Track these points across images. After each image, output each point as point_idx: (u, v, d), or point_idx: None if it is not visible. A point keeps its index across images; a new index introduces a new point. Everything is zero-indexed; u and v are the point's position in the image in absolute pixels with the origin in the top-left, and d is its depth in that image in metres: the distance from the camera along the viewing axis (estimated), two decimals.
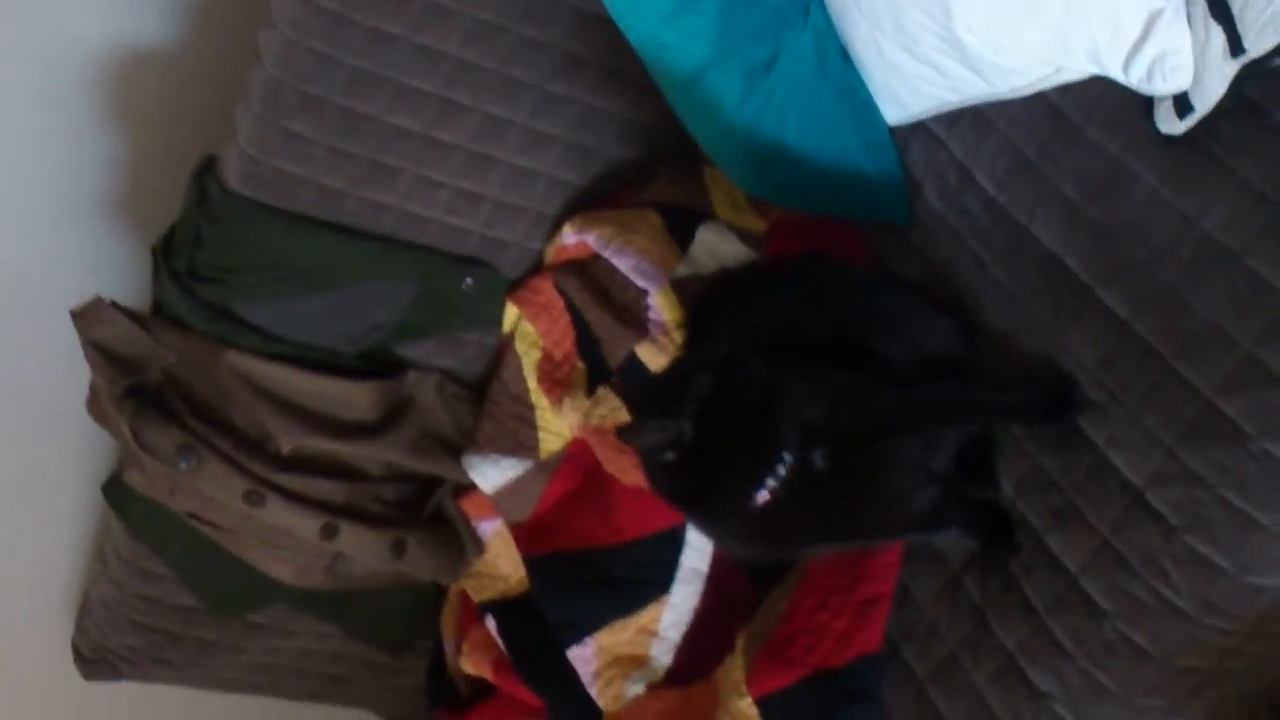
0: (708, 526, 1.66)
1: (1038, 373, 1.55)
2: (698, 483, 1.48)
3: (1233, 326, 1.36)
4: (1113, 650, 1.45)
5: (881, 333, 1.57)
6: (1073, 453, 1.49)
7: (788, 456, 1.41)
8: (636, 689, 1.86)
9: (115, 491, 2.03)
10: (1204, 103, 1.37)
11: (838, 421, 1.44)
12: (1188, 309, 1.39)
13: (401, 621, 2.25)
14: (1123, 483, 1.44)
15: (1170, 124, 1.41)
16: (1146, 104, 1.44)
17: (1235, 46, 1.32)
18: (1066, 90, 1.52)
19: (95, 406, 1.91)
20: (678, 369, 1.49)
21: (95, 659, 2.21)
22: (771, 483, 1.43)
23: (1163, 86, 1.39)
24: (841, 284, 1.69)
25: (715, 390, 1.43)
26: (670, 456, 1.45)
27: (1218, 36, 1.32)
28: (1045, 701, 1.51)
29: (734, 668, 1.74)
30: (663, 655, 1.87)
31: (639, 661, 1.88)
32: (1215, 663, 1.43)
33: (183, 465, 1.84)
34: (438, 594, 2.19)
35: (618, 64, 1.81)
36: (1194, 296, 1.39)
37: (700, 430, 1.43)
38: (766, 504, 1.44)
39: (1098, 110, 1.49)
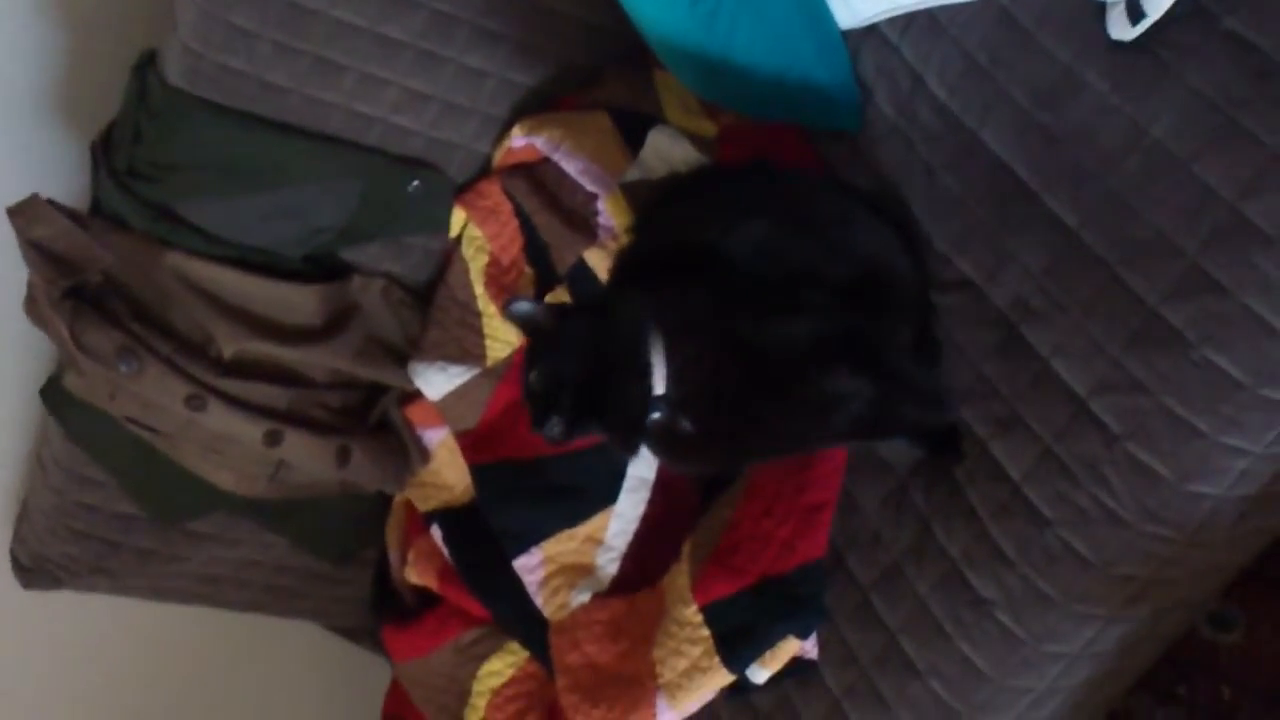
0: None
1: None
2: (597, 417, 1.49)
3: (1178, 235, 1.36)
4: (1053, 558, 1.47)
5: (817, 238, 1.55)
6: (1016, 361, 1.50)
7: (655, 416, 1.42)
8: (582, 598, 1.86)
9: (53, 395, 1.99)
10: (1156, 8, 1.36)
11: (715, 368, 1.43)
12: (1135, 217, 1.39)
13: (346, 532, 2.24)
14: (1066, 391, 1.45)
15: (1122, 29, 1.40)
16: (1099, 9, 1.43)
17: None
18: None
19: (33, 308, 1.87)
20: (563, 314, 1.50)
21: (34, 568, 2.18)
22: (646, 430, 1.45)
23: None
24: (780, 189, 1.66)
25: (595, 331, 1.45)
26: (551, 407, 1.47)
27: None
28: (986, 608, 1.52)
29: (679, 575, 1.75)
30: (609, 564, 1.88)
31: (585, 571, 1.89)
32: (1154, 571, 1.45)
33: (123, 368, 1.81)
34: (382, 504, 2.18)
35: None
36: (1141, 204, 1.39)
37: (586, 374, 1.45)
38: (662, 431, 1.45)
39: (1050, 15, 1.48)
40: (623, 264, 1.63)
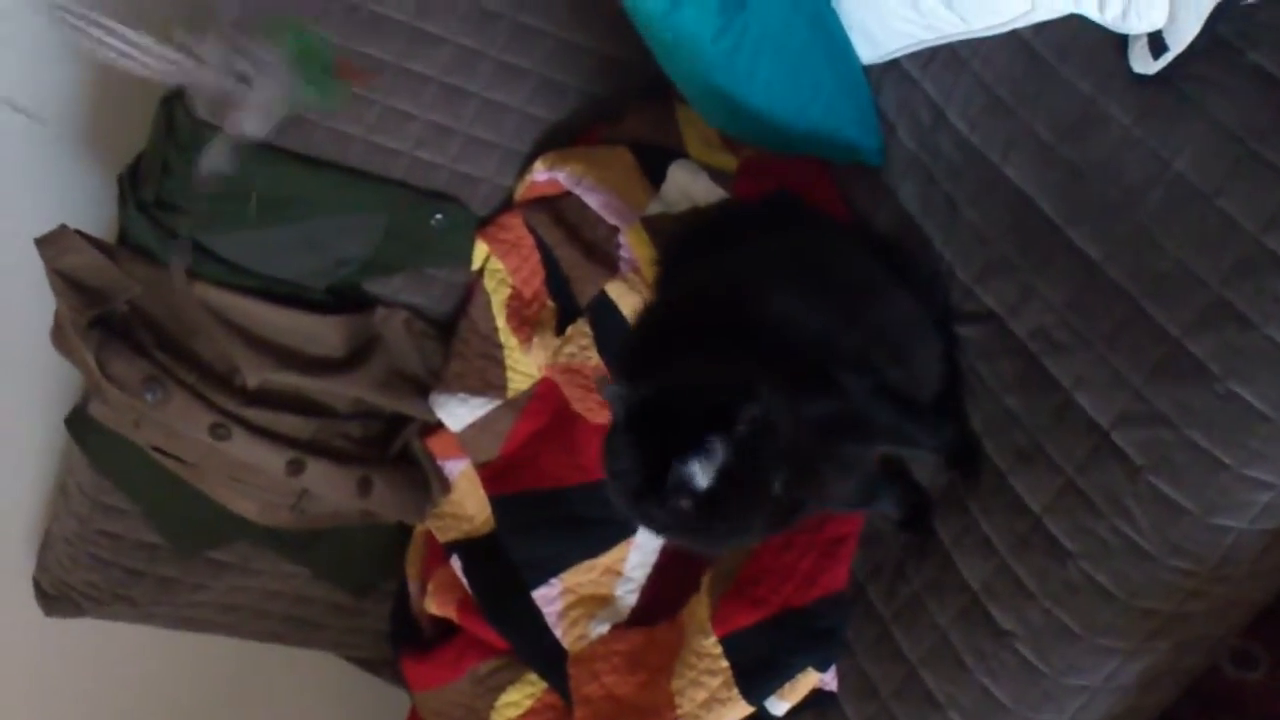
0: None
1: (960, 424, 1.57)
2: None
3: (1201, 267, 1.36)
4: (1075, 590, 1.46)
5: (840, 304, 1.52)
6: (1039, 393, 1.50)
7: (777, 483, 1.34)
8: (601, 629, 1.87)
9: (79, 424, 2.01)
10: (1178, 41, 1.36)
11: (795, 438, 1.36)
12: (1158, 249, 1.39)
13: (366, 563, 2.24)
14: (1088, 423, 1.45)
15: (1144, 63, 1.40)
16: (1121, 43, 1.44)
17: None
18: (1041, 29, 1.51)
19: (60, 337, 1.89)
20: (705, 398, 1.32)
21: (56, 595, 2.19)
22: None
23: (1137, 25, 1.39)
24: (810, 248, 1.64)
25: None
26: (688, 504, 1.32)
27: None
28: (1007, 640, 1.51)
29: (699, 607, 1.75)
30: (628, 596, 1.88)
31: (604, 602, 1.89)
32: (1177, 604, 1.44)
33: (148, 397, 1.83)
34: (403, 536, 2.19)
35: None
36: (1164, 237, 1.39)
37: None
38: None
39: (1072, 49, 1.49)
40: (645, 330, 1.60)
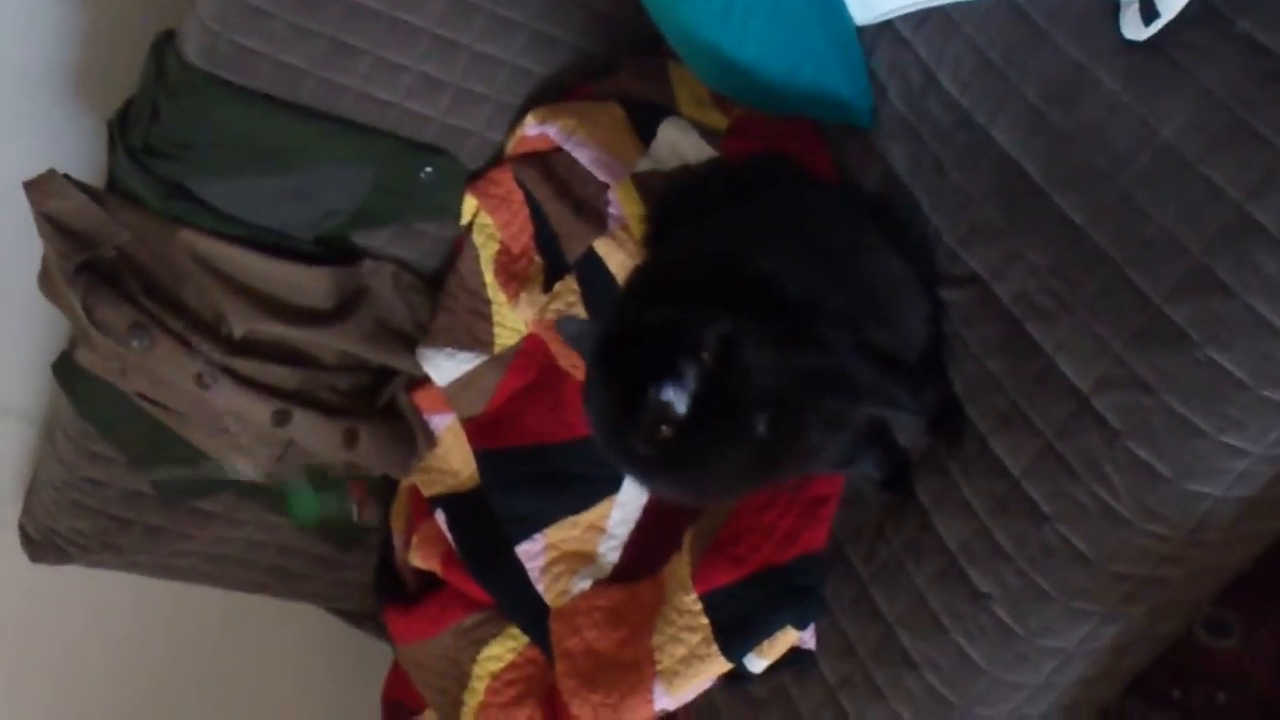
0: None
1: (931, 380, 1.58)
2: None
3: (1184, 234, 1.36)
4: (1051, 553, 1.47)
5: (828, 264, 1.53)
6: (1020, 357, 1.50)
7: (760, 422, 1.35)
8: (583, 585, 1.88)
9: (65, 370, 2.01)
10: (1169, 8, 1.36)
11: (779, 382, 1.37)
12: (1142, 216, 1.39)
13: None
14: (1069, 388, 1.45)
15: (1135, 29, 1.40)
16: (1112, 9, 1.43)
17: None
18: None
19: (47, 282, 1.89)
20: (673, 327, 1.32)
21: (42, 541, 2.20)
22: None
23: None
24: (800, 209, 1.65)
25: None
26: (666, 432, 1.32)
27: None
28: (984, 602, 1.52)
29: (680, 565, 1.76)
30: (610, 552, 1.89)
31: (587, 558, 1.90)
32: (1151, 569, 1.45)
33: (134, 343, 1.83)
34: (388, 490, 2.19)
35: None
36: (1149, 203, 1.39)
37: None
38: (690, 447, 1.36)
39: (1063, 14, 1.48)
40: (635, 289, 1.60)
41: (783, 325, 1.39)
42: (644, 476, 1.47)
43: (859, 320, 1.48)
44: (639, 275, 1.64)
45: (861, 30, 1.72)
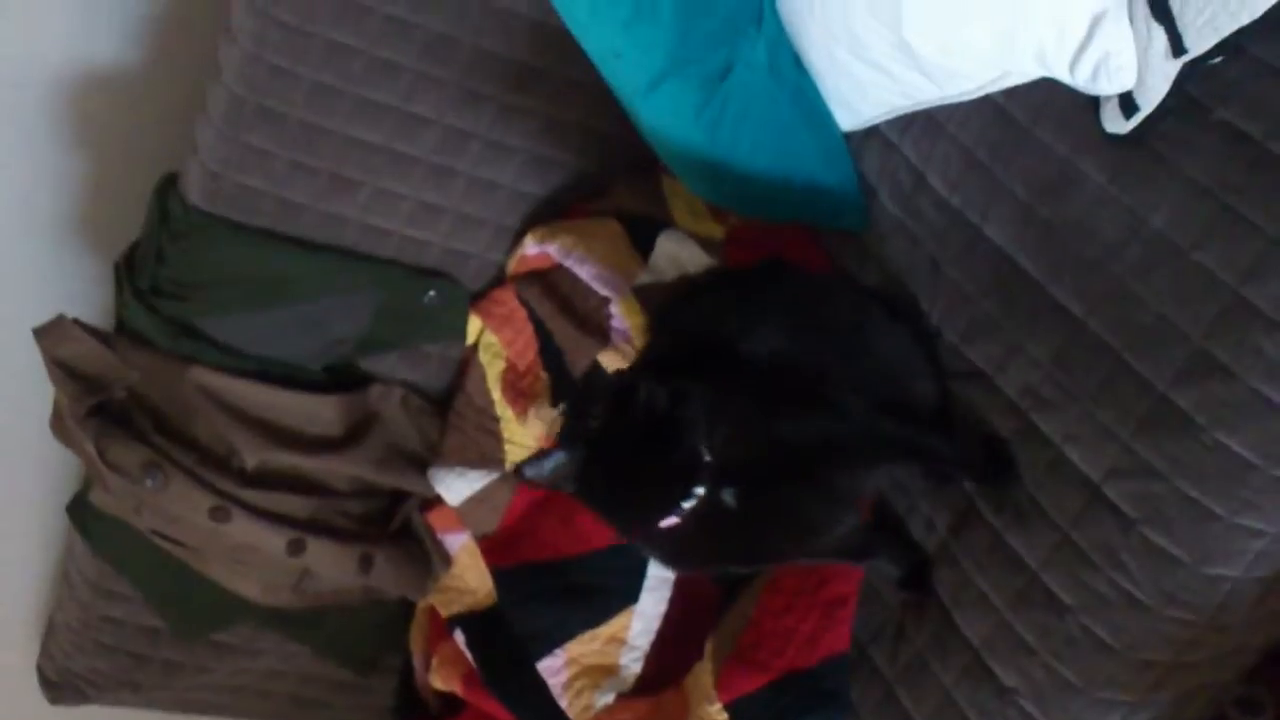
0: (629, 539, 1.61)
1: (974, 429, 1.58)
2: (613, 503, 1.46)
3: (1182, 320, 1.37)
4: (1075, 644, 1.47)
5: (833, 341, 1.57)
6: (1030, 449, 1.51)
7: (699, 490, 1.40)
8: (607, 699, 1.86)
9: (80, 511, 2.03)
10: (1148, 102, 1.39)
11: (757, 453, 1.42)
12: (1138, 304, 1.41)
13: (369, 639, 2.25)
14: (1080, 477, 1.46)
15: (1116, 123, 1.43)
16: (1093, 104, 1.46)
17: (1176, 46, 1.34)
18: (1014, 93, 1.54)
19: (59, 425, 1.90)
20: (584, 390, 1.45)
21: (61, 683, 2.19)
22: (683, 508, 1.41)
23: (1108, 87, 1.41)
24: (796, 292, 1.67)
25: (621, 414, 1.39)
26: (570, 487, 1.42)
27: (1159, 37, 1.35)
28: (1011, 697, 1.52)
29: (703, 673, 1.75)
30: (632, 664, 1.88)
31: (609, 671, 1.89)
32: (1176, 654, 1.44)
33: (148, 483, 1.84)
34: (405, 612, 2.19)
35: (576, 74, 1.82)
36: (1144, 292, 1.41)
37: (606, 454, 1.40)
38: (676, 527, 1.42)
39: (1045, 111, 1.51)
40: (642, 365, 1.64)
41: (784, 396, 1.43)
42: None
43: (873, 386, 1.50)
44: (638, 364, 1.66)
45: (849, 136, 1.76)
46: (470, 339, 2.02)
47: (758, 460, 1.41)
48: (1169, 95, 1.37)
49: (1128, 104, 1.41)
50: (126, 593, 2.07)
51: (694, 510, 1.41)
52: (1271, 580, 1.40)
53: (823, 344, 1.53)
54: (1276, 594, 1.42)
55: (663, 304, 1.79)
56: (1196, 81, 1.37)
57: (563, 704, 1.88)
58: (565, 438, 1.40)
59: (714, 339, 1.54)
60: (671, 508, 1.42)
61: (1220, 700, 1.68)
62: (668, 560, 1.63)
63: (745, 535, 1.47)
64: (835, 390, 1.47)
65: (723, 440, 1.38)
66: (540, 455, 1.40)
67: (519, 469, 1.46)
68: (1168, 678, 1.46)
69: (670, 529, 1.43)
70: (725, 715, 1.69)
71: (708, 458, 1.38)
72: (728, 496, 1.40)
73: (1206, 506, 1.37)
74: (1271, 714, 1.84)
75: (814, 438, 1.44)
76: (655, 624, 1.87)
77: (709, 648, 1.76)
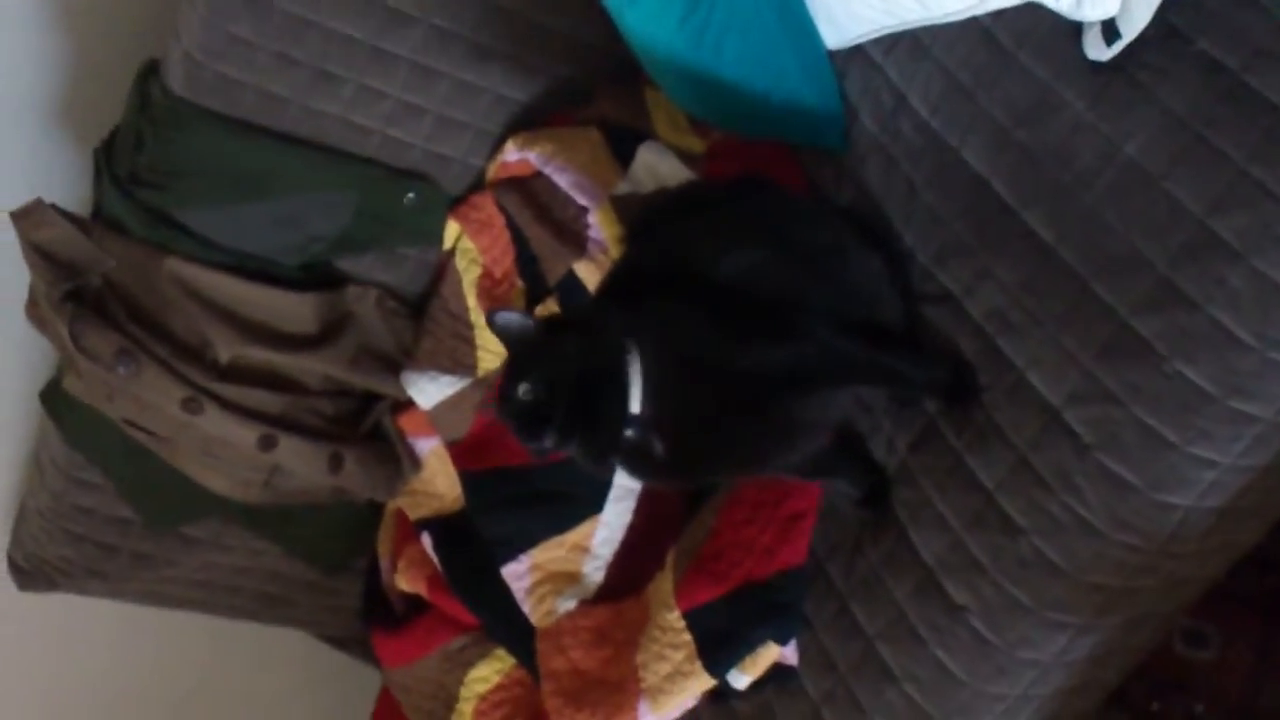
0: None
1: (939, 350, 1.59)
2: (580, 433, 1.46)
3: (1149, 249, 1.39)
4: (1027, 566, 1.49)
5: (805, 261, 1.56)
6: (993, 372, 1.52)
7: (630, 434, 1.43)
8: (568, 605, 1.89)
9: (53, 399, 2.03)
10: (1130, 29, 1.39)
11: (703, 390, 1.44)
12: (1108, 232, 1.42)
13: (338, 540, 2.26)
14: (1040, 402, 1.48)
15: (1098, 50, 1.43)
16: (1076, 31, 1.46)
17: None
18: (1000, 16, 1.54)
19: (34, 310, 1.91)
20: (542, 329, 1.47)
21: (30, 569, 2.20)
22: (628, 437, 1.44)
23: (1091, 13, 1.41)
24: (774, 213, 1.66)
25: (579, 348, 1.43)
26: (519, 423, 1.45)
27: None
28: (962, 615, 1.54)
29: (664, 582, 1.77)
30: (595, 572, 1.90)
31: (571, 578, 1.91)
32: (1125, 580, 1.47)
33: (121, 370, 1.84)
34: (374, 514, 2.21)
35: None
36: (1114, 220, 1.42)
37: (572, 390, 1.42)
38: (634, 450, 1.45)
39: (1029, 37, 1.51)
40: (612, 279, 1.65)
41: (751, 320, 1.45)
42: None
43: (842, 308, 1.51)
44: (611, 278, 1.66)
45: (833, 54, 1.75)
46: (448, 244, 2.02)
47: (690, 400, 1.44)
48: (1151, 23, 1.38)
49: (1110, 31, 1.41)
50: (97, 482, 2.07)
51: (632, 448, 1.44)
52: (1222, 511, 1.43)
53: (794, 264, 1.53)
54: (1227, 525, 1.45)
55: (639, 214, 1.79)
56: (1179, 11, 1.38)
57: (525, 608, 1.91)
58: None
59: (687, 258, 1.54)
60: (601, 455, 1.46)
61: (1167, 630, 1.71)
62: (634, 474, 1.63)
63: (686, 466, 1.50)
64: (804, 313, 1.48)
65: (655, 387, 1.41)
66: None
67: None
68: (1116, 603, 1.49)
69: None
70: (683, 623, 1.72)
71: (636, 410, 1.41)
72: (657, 445, 1.43)
73: (1162, 434, 1.39)
74: (1216, 648, 1.88)
75: (781, 365, 1.45)
76: (619, 533, 1.90)
77: (671, 557, 1.78)
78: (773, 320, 1.47)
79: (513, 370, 1.45)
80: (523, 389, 1.41)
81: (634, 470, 1.53)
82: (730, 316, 1.45)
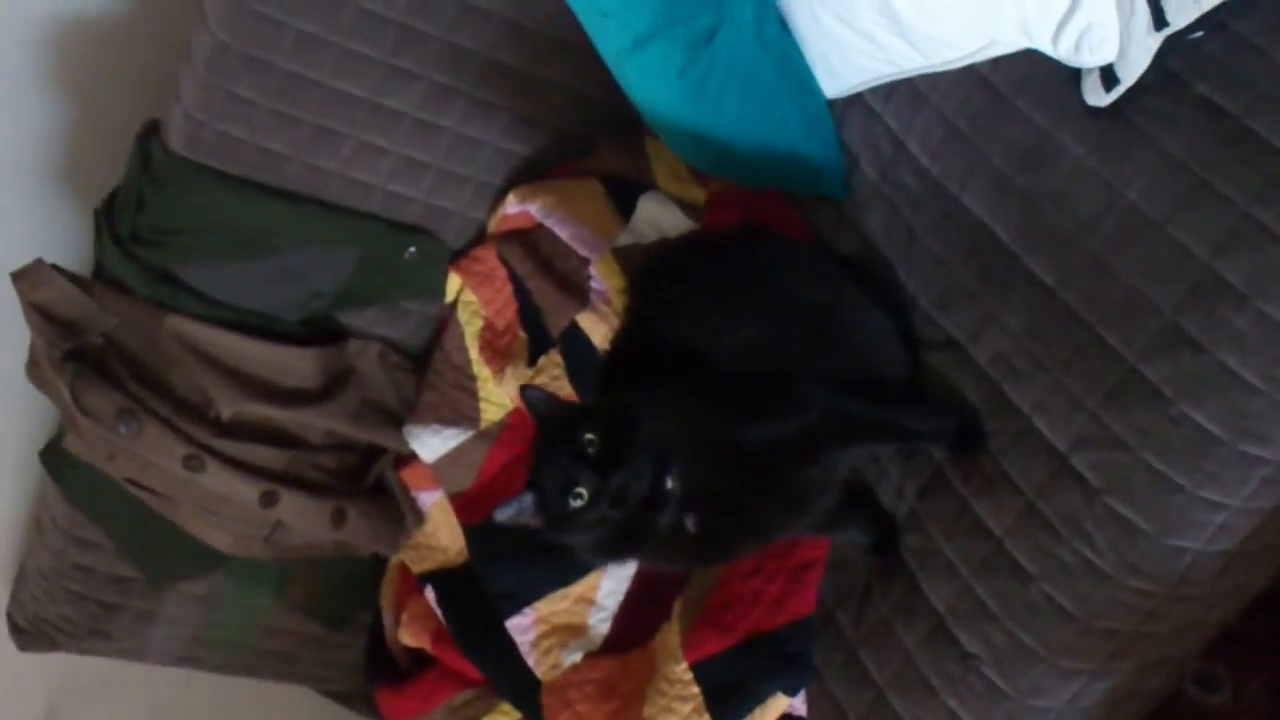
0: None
1: (945, 399, 1.59)
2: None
3: (1155, 293, 1.39)
4: (1037, 612, 1.48)
5: (806, 318, 1.57)
6: (999, 418, 1.53)
7: (662, 518, 1.41)
8: (574, 658, 1.88)
9: (54, 458, 2.02)
10: (1129, 75, 1.40)
11: (719, 469, 1.43)
12: (1112, 277, 1.43)
13: (341, 595, 2.25)
14: (1047, 447, 1.47)
15: (1097, 96, 1.44)
16: (1074, 76, 1.47)
17: (1158, 20, 1.35)
18: (998, 63, 1.55)
19: (34, 370, 1.90)
20: (567, 419, 1.41)
21: (31, 630, 2.19)
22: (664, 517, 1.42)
23: (1090, 59, 1.42)
24: (773, 271, 1.66)
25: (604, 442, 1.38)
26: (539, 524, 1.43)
27: (1142, 10, 1.36)
28: (973, 663, 1.53)
29: (670, 634, 1.76)
30: (600, 624, 1.89)
31: (577, 630, 1.90)
32: (1137, 625, 1.46)
33: (122, 430, 1.84)
34: (377, 568, 2.19)
35: (562, 34, 1.83)
36: (1118, 264, 1.42)
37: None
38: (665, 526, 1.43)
39: (1028, 83, 1.52)
40: (618, 348, 1.65)
41: (751, 393, 1.44)
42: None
43: (843, 365, 1.52)
44: (617, 345, 1.66)
45: (832, 103, 1.76)
46: (449, 297, 2.03)
47: (720, 476, 1.43)
48: (1149, 69, 1.39)
49: (1109, 76, 1.42)
50: (98, 540, 2.06)
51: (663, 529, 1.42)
52: (1232, 554, 1.42)
53: (793, 330, 1.54)
54: (1236, 568, 1.45)
55: (641, 268, 1.79)
56: (1177, 56, 1.38)
57: (530, 662, 1.90)
58: (531, 477, 1.42)
59: (688, 334, 1.54)
60: (639, 544, 1.45)
61: (1179, 675, 1.70)
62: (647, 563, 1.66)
63: (715, 542, 1.49)
64: (806, 380, 1.48)
65: (684, 467, 1.40)
66: (510, 499, 1.41)
67: (522, 390, 1.47)
68: (1127, 648, 1.48)
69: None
70: (691, 675, 1.70)
71: (670, 486, 1.39)
72: (689, 523, 1.42)
73: (1170, 478, 1.39)
74: (1229, 691, 1.86)
75: (785, 438, 1.45)
76: (624, 585, 1.89)
77: (677, 608, 1.77)
78: (775, 394, 1.47)
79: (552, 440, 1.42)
80: (586, 437, 1.37)
81: (660, 554, 1.50)
82: (734, 396, 1.46)
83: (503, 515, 1.40)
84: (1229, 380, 1.34)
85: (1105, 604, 1.45)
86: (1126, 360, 1.41)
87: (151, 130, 1.85)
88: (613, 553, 1.52)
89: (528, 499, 1.39)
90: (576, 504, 1.36)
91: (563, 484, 1.36)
